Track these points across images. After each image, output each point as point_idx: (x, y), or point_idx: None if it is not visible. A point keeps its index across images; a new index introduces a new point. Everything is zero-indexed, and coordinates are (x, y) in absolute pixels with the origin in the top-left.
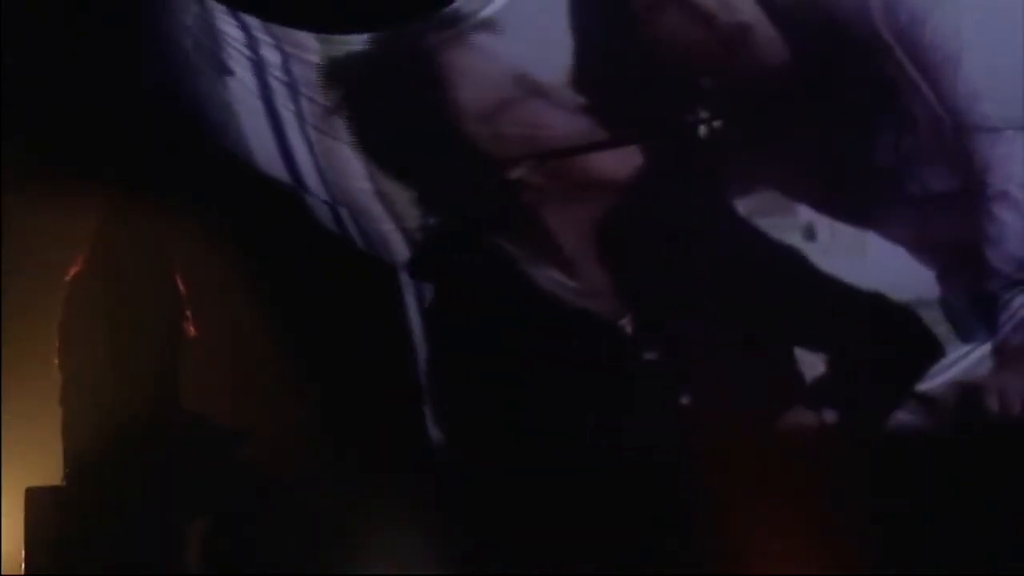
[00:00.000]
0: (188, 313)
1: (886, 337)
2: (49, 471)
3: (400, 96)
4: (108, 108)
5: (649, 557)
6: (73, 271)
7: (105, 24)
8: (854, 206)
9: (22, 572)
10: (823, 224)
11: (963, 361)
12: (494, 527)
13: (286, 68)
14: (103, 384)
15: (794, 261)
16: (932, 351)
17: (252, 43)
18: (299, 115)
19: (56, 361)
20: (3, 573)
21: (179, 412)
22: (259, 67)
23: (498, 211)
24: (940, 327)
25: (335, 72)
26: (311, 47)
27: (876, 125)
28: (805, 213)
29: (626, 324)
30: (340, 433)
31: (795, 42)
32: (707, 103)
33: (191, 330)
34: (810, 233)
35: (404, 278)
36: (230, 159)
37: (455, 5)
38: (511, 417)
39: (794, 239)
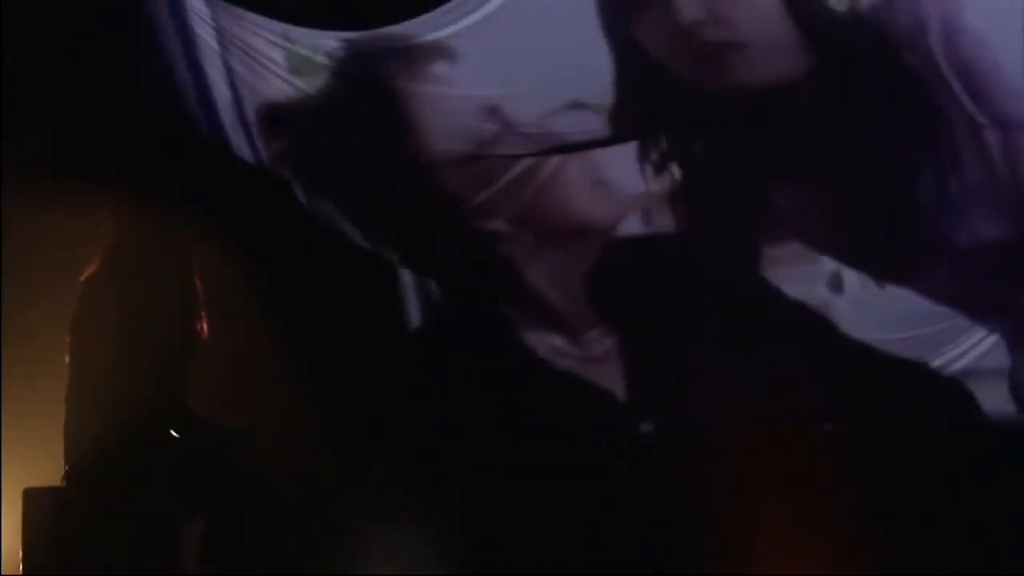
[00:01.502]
0: (203, 314)
1: (930, 417)
2: (49, 471)
3: (355, 142)
4: (109, 108)
5: (649, 557)
6: (89, 271)
7: (105, 24)
8: (886, 257)
9: (20, 573)
10: (852, 272)
11: None
12: (494, 527)
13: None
14: (108, 384)
15: (817, 321)
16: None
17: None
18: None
19: (67, 359)
20: (3, 573)
21: (181, 413)
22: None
23: (477, 266)
24: (1003, 404)
25: (283, 114)
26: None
27: (913, 159)
28: (830, 260)
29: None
30: (340, 434)
31: (816, 56)
32: (701, 129)
33: (204, 332)
34: (836, 284)
35: (405, 278)
36: (227, 157)
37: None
38: (511, 417)
39: (818, 291)
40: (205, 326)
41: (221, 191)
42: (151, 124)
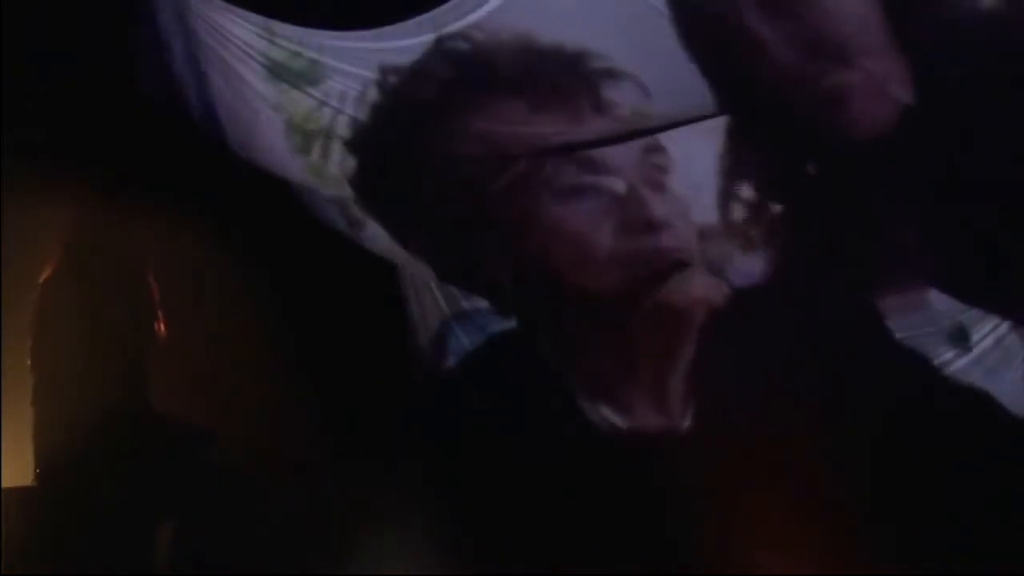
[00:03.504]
0: (160, 313)
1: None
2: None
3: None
4: (109, 108)
5: (648, 557)
6: (45, 274)
7: (105, 24)
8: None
9: None
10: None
11: None
12: (490, 529)
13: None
14: (73, 385)
15: (943, 388)
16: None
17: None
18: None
19: (28, 362)
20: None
21: (149, 413)
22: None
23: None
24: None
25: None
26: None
27: None
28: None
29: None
30: (324, 432)
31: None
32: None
33: (162, 330)
34: (960, 336)
35: (406, 278)
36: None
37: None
38: (511, 418)
39: (936, 348)
40: (163, 326)
41: (214, 188)
42: (140, 119)
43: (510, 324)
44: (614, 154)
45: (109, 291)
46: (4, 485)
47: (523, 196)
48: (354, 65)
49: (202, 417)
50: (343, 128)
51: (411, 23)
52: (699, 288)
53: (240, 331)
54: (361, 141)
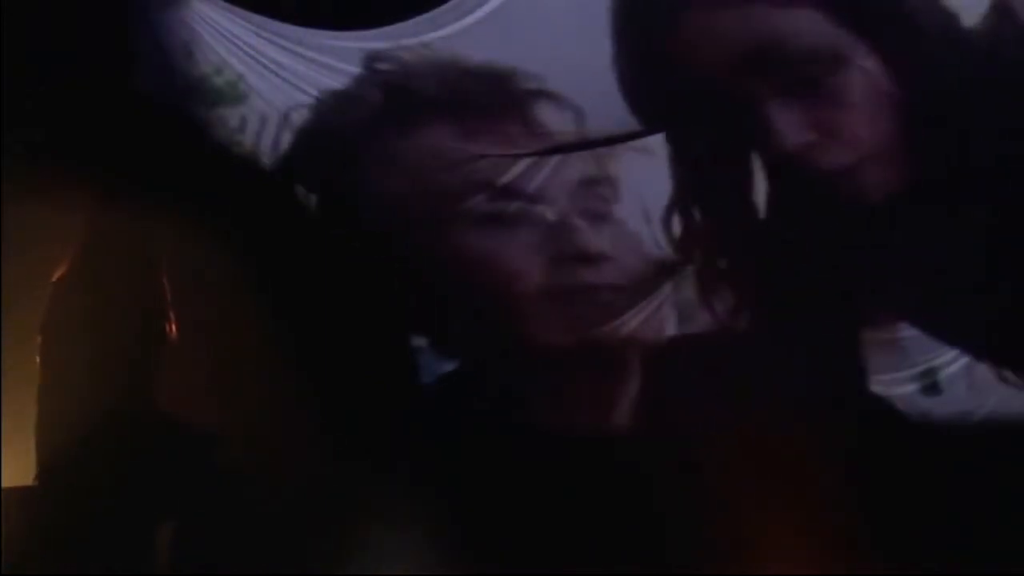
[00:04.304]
0: (171, 315)
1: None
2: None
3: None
4: (109, 108)
5: (648, 557)
6: (59, 273)
7: (105, 24)
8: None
9: None
10: (953, 367)
11: None
12: (490, 529)
13: None
14: (80, 386)
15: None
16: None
17: None
18: None
19: (38, 360)
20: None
21: (153, 413)
22: None
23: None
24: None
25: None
26: None
27: None
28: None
29: None
30: (324, 432)
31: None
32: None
33: (173, 332)
34: (929, 382)
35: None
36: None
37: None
38: (509, 418)
39: (903, 389)
40: (174, 327)
41: (213, 188)
42: (143, 123)
43: (453, 365)
44: (544, 181)
45: (120, 293)
46: (4, 485)
47: (452, 226)
48: (351, 65)
49: (203, 417)
50: (267, 153)
51: (411, 23)
52: (638, 325)
53: (241, 332)
54: (286, 166)
